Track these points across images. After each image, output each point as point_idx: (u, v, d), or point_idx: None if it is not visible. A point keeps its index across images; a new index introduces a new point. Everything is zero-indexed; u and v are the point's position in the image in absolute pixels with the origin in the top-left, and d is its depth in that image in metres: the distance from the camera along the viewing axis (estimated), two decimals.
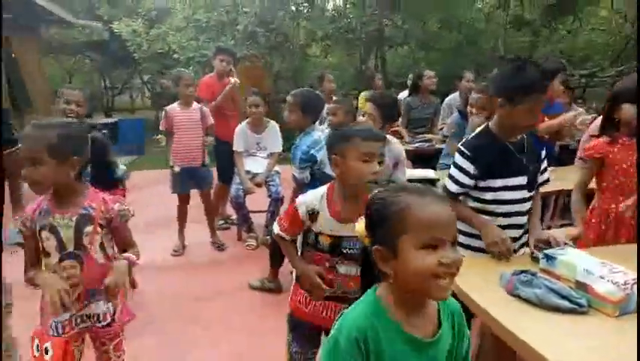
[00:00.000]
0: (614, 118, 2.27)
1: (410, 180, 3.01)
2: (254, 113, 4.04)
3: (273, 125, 4.14)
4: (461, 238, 2.03)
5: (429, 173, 3.08)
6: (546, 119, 3.45)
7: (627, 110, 2.18)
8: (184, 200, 4.11)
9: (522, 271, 1.59)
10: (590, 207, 2.40)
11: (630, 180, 2.21)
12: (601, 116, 2.48)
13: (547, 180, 2.08)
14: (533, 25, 10.48)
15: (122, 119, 10.73)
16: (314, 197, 1.71)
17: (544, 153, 2.06)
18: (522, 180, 1.94)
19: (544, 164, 2.06)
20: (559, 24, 10.68)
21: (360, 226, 1.10)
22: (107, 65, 16.83)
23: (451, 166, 1.99)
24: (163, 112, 4.00)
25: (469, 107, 4.88)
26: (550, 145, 3.58)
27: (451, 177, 1.97)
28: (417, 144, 4.42)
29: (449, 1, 11.26)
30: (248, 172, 3.98)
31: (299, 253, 1.83)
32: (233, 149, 4.08)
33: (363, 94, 6.32)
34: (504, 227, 1.93)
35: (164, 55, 10.56)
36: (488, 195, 1.94)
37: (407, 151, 4.55)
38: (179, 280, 3.67)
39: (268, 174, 3.97)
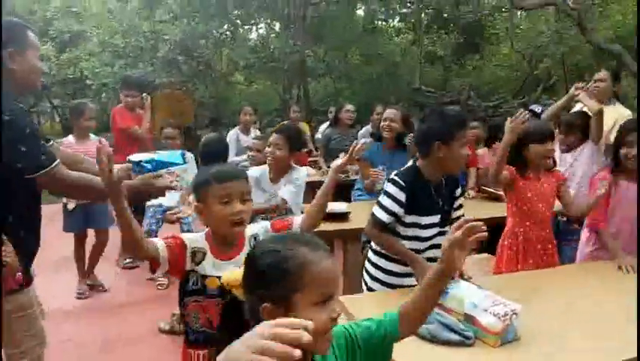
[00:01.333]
0: (522, 155, 2.47)
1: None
2: (169, 145, 3.91)
3: (189, 157, 4.02)
4: (380, 275, 2.12)
5: (341, 206, 3.12)
6: None
7: (534, 150, 2.41)
8: (80, 240, 3.86)
9: None
10: (504, 231, 2.61)
11: (535, 208, 2.45)
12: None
13: (461, 216, 2.19)
14: (444, 61, 11.28)
15: None
16: (198, 236, 1.60)
17: (459, 190, 2.19)
18: (435, 218, 2.06)
19: (459, 201, 2.20)
20: (467, 60, 11.58)
21: (231, 276, 1.06)
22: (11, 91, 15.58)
23: (382, 195, 2.03)
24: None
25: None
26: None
27: (381, 206, 2.01)
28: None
29: (369, 36, 11.85)
30: (160, 206, 3.82)
31: (181, 305, 1.63)
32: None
33: (280, 124, 6.44)
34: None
35: (76, 80, 10.04)
36: (406, 231, 2.03)
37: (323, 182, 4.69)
38: (84, 327, 3.39)
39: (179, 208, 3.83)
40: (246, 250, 1.57)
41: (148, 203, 3.87)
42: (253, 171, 2.91)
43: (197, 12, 9.21)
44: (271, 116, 13.92)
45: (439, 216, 2.06)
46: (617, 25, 11.27)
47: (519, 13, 10.40)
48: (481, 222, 1.05)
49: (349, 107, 5.04)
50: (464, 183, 3.90)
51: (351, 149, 2.02)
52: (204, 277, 1.55)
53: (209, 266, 1.55)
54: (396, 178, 2.01)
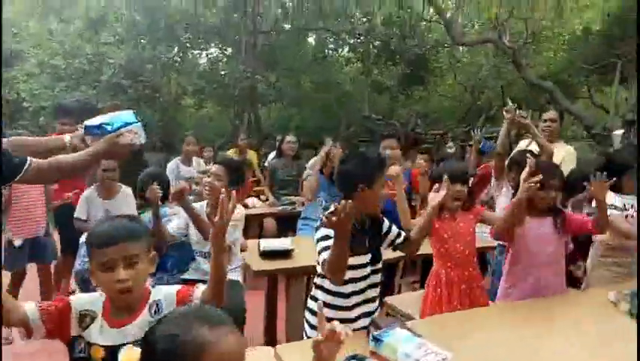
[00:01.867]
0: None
1: (266, 252, 2.99)
2: (107, 177, 3.74)
3: (126, 192, 3.86)
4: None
5: (284, 243, 3.08)
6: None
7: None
8: (19, 278, 3.58)
9: (352, 357, 1.63)
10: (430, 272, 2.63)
11: (453, 248, 2.48)
12: None
13: (402, 238, 2.23)
14: (391, 91, 11.65)
15: None
16: (94, 298, 1.48)
17: (386, 224, 2.20)
18: (366, 258, 2.06)
19: (393, 232, 2.21)
20: (413, 91, 12.03)
21: (127, 358, 1.00)
22: None
23: (320, 239, 2.01)
24: None
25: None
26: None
27: (325, 248, 1.98)
28: (280, 207, 4.47)
29: (319, 64, 12.07)
30: None
31: None
32: (75, 216, 3.71)
33: (229, 152, 6.35)
34: (359, 304, 2.04)
35: (13, 102, 9.51)
36: None
37: (271, 214, 4.64)
38: None
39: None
40: (143, 317, 1.44)
41: (82, 239, 3.67)
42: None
43: (144, 35, 9.04)
44: (222, 140, 13.78)
45: (369, 255, 2.07)
46: (549, 62, 12.14)
47: (460, 48, 10.94)
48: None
49: (290, 138, 5.03)
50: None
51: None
52: (89, 344, 1.40)
53: (96, 332, 1.41)
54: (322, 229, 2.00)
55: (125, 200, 3.84)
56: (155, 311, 1.46)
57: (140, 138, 2.17)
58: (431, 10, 9.28)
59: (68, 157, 1.55)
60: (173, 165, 4.81)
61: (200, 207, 2.89)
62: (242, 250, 2.99)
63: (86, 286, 3.56)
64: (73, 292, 4.01)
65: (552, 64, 12.18)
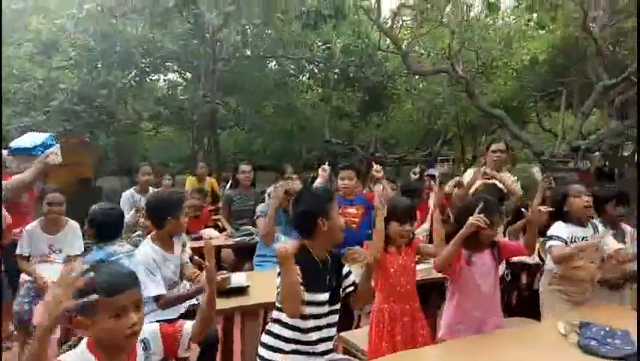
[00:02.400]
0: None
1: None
2: (52, 211, 3.56)
3: (72, 226, 3.68)
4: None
5: (240, 279, 2.99)
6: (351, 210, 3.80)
7: (392, 228, 2.50)
8: None
9: None
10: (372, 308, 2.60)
11: (398, 282, 2.49)
12: None
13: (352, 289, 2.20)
14: (351, 117, 11.83)
15: None
16: (77, 355, 1.43)
17: (347, 268, 2.21)
18: (325, 296, 2.04)
19: (349, 279, 2.19)
20: (372, 116, 12.27)
21: None
22: None
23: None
24: None
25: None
26: None
27: None
28: (238, 238, 4.37)
29: (281, 89, 12.14)
30: (33, 282, 3.42)
31: None
32: (17, 252, 3.51)
33: (188, 179, 6.23)
34: (315, 341, 2.01)
35: None
36: (302, 309, 1.97)
37: (229, 245, 4.53)
38: None
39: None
40: (139, 357, 1.50)
41: (22, 278, 3.46)
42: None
43: (99, 60, 8.81)
44: (180, 165, 13.52)
45: (328, 293, 2.05)
46: (500, 90, 12.71)
47: (417, 76, 11.28)
48: None
49: (244, 167, 4.92)
50: None
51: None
52: None
53: None
54: None
55: (72, 234, 3.66)
56: (143, 348, 1.52)
57: (58, 158, 2.66)
58: (387, 40, 9.55)
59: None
60: (128, 195, 4.63)
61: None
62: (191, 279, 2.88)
63: (24, 326, 3.35)
64: (12, 334, 3.75)
65: (502, 91, 12.75)
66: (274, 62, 12.60)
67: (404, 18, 9.39)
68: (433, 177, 4.79)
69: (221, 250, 4.52)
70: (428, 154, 18.70)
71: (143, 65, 10.43)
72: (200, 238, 4.48)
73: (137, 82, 9.65)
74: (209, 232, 4.53)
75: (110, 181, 13.30)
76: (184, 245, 2.83)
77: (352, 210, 3.76)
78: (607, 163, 10.56)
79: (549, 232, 2.84)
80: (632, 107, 8.35)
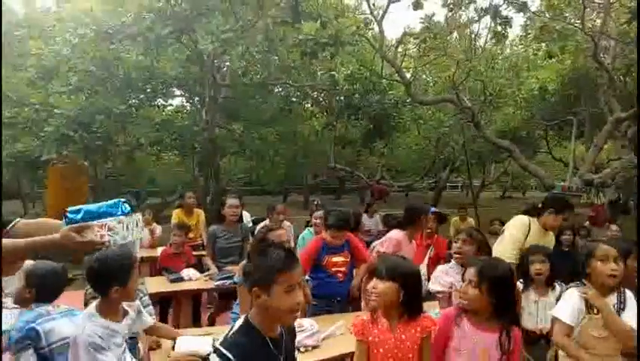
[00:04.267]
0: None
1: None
2: None
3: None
4: None
5: (205, 345, 2.59)
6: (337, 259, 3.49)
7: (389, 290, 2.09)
8: None
9: None
10: None
11: None
12: None
13: None
14: (355, 144, 11.60)
15: None
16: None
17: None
18: None
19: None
20: (377, 144, 12.03)
21: None
22: None
23: None
24: None
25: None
26: None
27: None
28: (218, 282, 4.03)
29: (285, 116, 11.97)
30: None
31: None
32: None
33: (175, 211, 5.93)
34: None
35: None
36: None
37: (208, 289, 4.20)
38: None
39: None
40: None
41: None
42: None
43: (99, 86, 8.71)
44: (177, 194, 13.34)
45: None
46: (508, 119, 12.44)
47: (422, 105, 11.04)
48: None
49: (232, 201, 4.51)
50: None
51: None
52: None
53: None
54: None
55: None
56: None
57: (117, 236, 1.77)
58: (392, 68, 9.37)
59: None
60: None
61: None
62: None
63: None
64: None
65: (511, 121, 12.49)
66: (278, 89, 12.50)
67: (408, 47, 9.22)
68: (437, 214, 4.46)
69: (203, 292, 4.21)
70: (435, 182, 18.44)
71: (144, 91, 10.35)
72: (180, 279, 4.17)
73: (137, 108, 9.51)
74: (189, 273, 4.20)
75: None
76: (139, 311, 2.44)
77: (338, 258, 3.46)
78: (620, 196, 10.14)
79: (558, 304, 2.48)
80: None
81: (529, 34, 10.29)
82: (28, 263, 2.48)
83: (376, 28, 7.96)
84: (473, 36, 8.35)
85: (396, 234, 3.73)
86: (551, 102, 11.84)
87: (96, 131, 8.46)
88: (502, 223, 6.37)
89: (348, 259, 3.54)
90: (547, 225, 3.45)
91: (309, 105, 12.02)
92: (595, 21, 7.43)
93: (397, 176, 14.83)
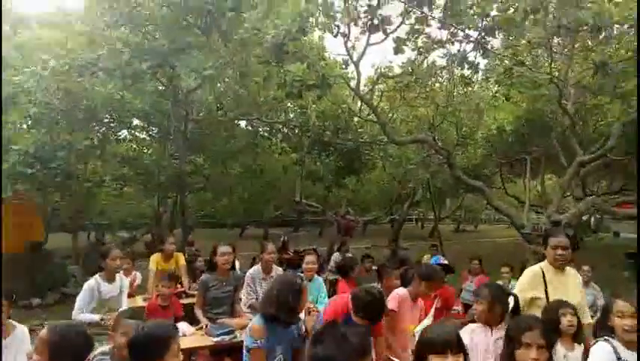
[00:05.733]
0: None
1: None
2: None
3: (21, 332, 3.03)
4: None
5: None
6: None
7: None
8: None
9: None
10: None
11: None
12: None
13: None
14: (325, 180, 11.60)
15: None
16: None
17: None
18: None
19: None
20: (346, 181, 12.10)
21: None
22: None
23: None
24: None
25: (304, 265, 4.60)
26: None
27: None
28: (218, 338, 3.75)
29: (251, 150, 11.81)
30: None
31: None
32: None
33: (153, 257, 5.56)
34: None
35: None
36: None
37: (207, 346, 3.88)
38: None
39: None
40: None
41: None
42: None
43: (60, 119, 8.22)
44: (143, 229, 12.69)
45: None
46: (469, 156, 12.97)
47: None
48: None
49: (224, 249, 4.29)
50: None
51: None
52: None
53: None
54: None
55: (17, 342, 3.01)
56: None
57: None
58: (364, 106, 9.54)
59: None
60: (92, 285, 3.92)
61: None
62: None
63: None
64: None
65: (472, 159, 13.02)
66: (244, 123, 12.37)
67: (382, 87, 9.44)
68: (443, 266, 4.41)
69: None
70: (393, 217, 18.76)
71: (108, 124, 9.91)
72: None
73: (100, 141, 9.05)
74: (182, 327, 3.88)
75: (60, 238, 12.29)
76: None
77: None
78: (576, 234, 10.70)
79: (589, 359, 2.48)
80: (605, 180, 8.57)
81: (490, 77, 10.87)
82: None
83: (352, 68, 8.10)
84: (449, 80, 8.68)
85: (401, 292, 3.64)
86: (508, 142, 12.46)
87: (56, 168, 7.93)
88: (480, 262, 6.51)
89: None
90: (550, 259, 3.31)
91: (279, 141, 11.96)
92: (559, 69, 7.94)
93: (361, 211, 14.92)
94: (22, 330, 3.06)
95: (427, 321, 3.99)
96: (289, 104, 10.89)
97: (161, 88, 8.86)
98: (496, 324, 2.73)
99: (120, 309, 3.91)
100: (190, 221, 12.89)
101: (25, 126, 8.82)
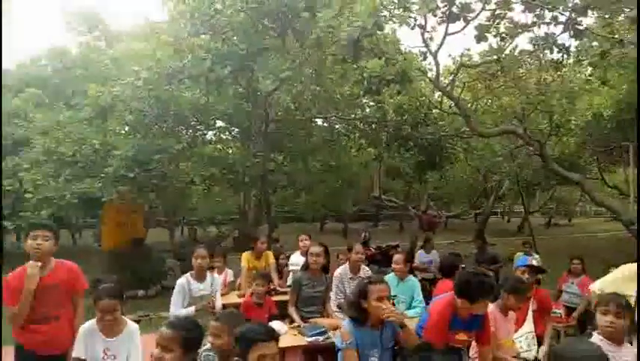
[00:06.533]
0: None
1: None
2: (107, 320, 3.15)
3: (132, 329, 3.28)
4: None
5: None
6: None
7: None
8: None
9: None
10: None
11: None
12: None
13: None
14: (405, 176, 11.39)
15: None
16: None
17: None
18: None
19: None
20: (428, 176, 11.80)
21: None
22: None
23: None
24: None
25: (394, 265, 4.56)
26: None
27: None
28: (311, 338, 3.82)
29: (330, 147, 11.90)
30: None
31: None
32: (73, 355, 3.16)
33: (245, 255, 5.79)
34: None
35: (14, 192, 9.11)
36: None
37: (299, 346, 3.96)
38: None
39: None
40: None
41: None
42: None
43: (154, 124, 8.82)
44: (230, 225, 13.35)
45: None
46: (562, 146, 12.04)
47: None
48: None
49: (315, 249, 4.38)
50: None
51: None
52: None
53: None
54: None
55: (129, 340, 3.26)
56: None
57: None
58: (444, 99, 9.20)
59: None
60: (184, 282, 4.20)
61: None
62: None
63: None
64: None
65: (565, 148, 12.09)
66: (321, 120, 12.48)
67: (464, 77, 9.03)
68: (533, 268, 4.14)
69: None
70: (478, 211, 17.93)
71: (194, 127, 10.47)
72: None
73: (189, 144, 9.59)
74: (277, 326, 3.97)
75: (157, 234, 13.36)
76: None
77: (463, 337, 3.02)
78: None
79: None
80: None
81: (583, 60, 9.99)
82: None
83: (429, 61, 7.83)
84: (538, 66, 8.08)
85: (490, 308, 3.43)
86: (607, 128, 11.41)
87: (152, 170, 8.54)
88: (582, 261, 5.98)
89: (472, 340, 3.05)
90: None
91: (356, 137, 11.93)
92: None
93: (443, 205, 14.47)
94: (133, 326, 3.30)
95: (528, 326, 3.76)
96: (365, 100, 10.80)
97: (241, 91, 9.17)
98: (621, 341, 2.51)
99: (216, 308, 4.14)
100: (274, 218, 13.33)
101: (122, 132, 9.58)
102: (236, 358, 2.21)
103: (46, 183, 8.22)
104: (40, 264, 3.29)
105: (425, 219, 12.19)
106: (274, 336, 2.24)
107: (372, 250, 10.09)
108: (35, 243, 3.32)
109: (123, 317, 3.30)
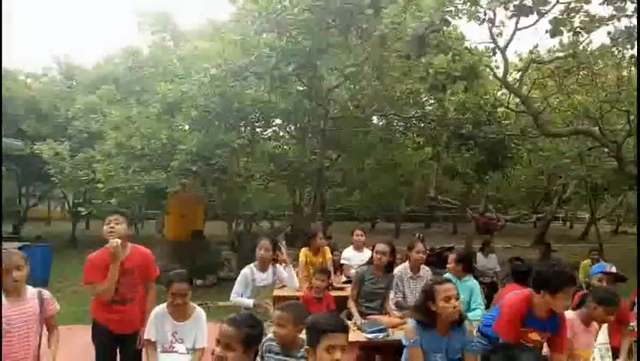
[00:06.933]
0: None
1: None
2: (176, 303, 3.29)
3: (199, 314, 3.41)
4: None
5: None
6: None
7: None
8: None
9: None
10: None
11: None
12: None
13: None
14: (465, 177, 11.06)
15: (26, 244, 9.36)
16: None
17: None
18: None
19: None
20: (488, 177, 11.40)
21: None
22: (25, 177, 15.67)
23: None
24: None
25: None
26: None
27: None
28: (370, 335, 3.79)
29: (385, 146, 11.78)
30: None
31: None
32: (145, 337, 3.34)
33: (303, 250, 5.84)
34: None
35: (88, 181, 9.75)
36: None
37: (357, 342, 3.94)
38: None
39: None
40: None
41: None
42: None
43: (217, 120, 9.11)
44: (283, 221, 13.57)
45: None
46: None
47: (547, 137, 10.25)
48: None
49: (380, 247, 4.35)
50: None
51: None
52: None
53: None
54: None
55: (196, 325, 3.39)
56: None
57: None
58: (512, 98, 8.83)
59: None
60: (247, 273, 4.33)
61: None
62: None
63: None
64: None
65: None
66: (376, 118, 12.37)
67: (533, 74, 8.62)
68: (612, 275, 3.88)
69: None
70: (539, 218, 17.06)
71: (253, 123, 10.72)
72: None
73: (250, 140, 9.84)
74: None
75: (215, 226, 13.83)
76: None
77: (536, 337, 2.88)
78: None
79: None
80: None
81: None
82: None
83: (498, 57, 7.53)
84: (618, 62, 7.56)
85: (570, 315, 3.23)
86: None
87: (214, 164, 8.84)
88: None
89: (544, 341, 2.89)
90: None
91: (414, 135, 11.73)
92: None
93: (503, 209, 13.91)
94: (200, 312, 3.44)
95: (603, 337, 3.54)
96: (425, 98, 10.58)
97: (302, 88, 9.27)
98: None
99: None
100: (327, 215, 13.43)
101: (187, 128, 9.97)
102: (306, 346, 2.24)
103: (117, 174, 8.72)
104: (120, 241, 3.48)
105: (482, 222, 11.79)
106: (345, 328, 2.25)
107: (427, 251, 9.86)
108: (109, 226, 3.53)
109: (191, 303, 3.45)
